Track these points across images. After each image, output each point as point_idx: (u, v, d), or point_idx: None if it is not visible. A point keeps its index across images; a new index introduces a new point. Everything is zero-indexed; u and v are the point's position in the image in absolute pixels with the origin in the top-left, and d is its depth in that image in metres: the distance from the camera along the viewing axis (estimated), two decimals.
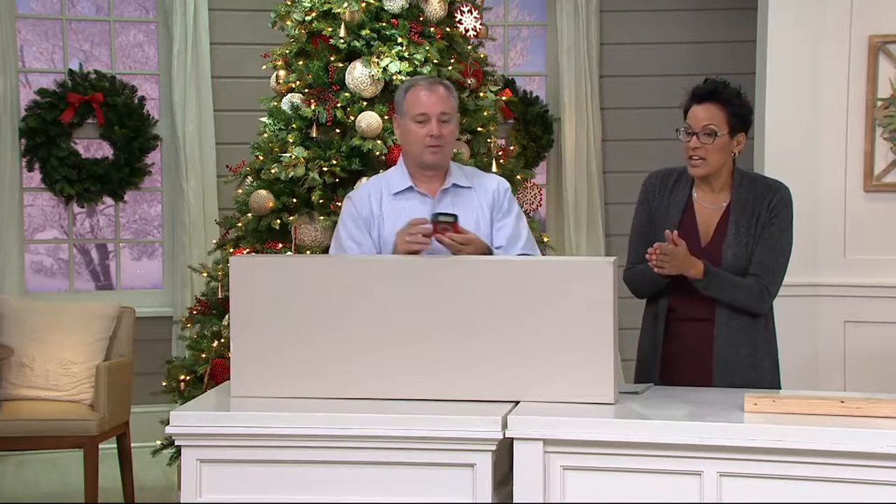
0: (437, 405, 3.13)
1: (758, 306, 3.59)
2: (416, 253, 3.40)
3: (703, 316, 3.61)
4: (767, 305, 3.62)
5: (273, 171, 4.92)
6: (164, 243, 6.91)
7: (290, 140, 4.95)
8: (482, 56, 5.33)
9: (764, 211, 3.60)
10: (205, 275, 5.21)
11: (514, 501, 3.02)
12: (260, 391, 3.25)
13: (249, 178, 5.10)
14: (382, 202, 3.67)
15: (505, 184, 3.76)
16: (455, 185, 3.68)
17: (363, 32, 4.98)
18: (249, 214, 5.00)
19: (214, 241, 5.33)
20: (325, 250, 4.89)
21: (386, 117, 4.91)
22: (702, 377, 3.59)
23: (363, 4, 4.97)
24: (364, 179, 4.89)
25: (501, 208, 3.69)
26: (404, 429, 3.03)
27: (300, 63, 5.08)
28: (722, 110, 3.56)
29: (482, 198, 3.68)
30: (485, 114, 5.18)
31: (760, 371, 3.62)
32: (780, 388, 3.66)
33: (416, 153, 3.63)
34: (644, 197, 3.73)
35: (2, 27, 6.38)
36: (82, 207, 6.86)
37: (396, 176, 3.71)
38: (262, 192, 4.94)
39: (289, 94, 5.07)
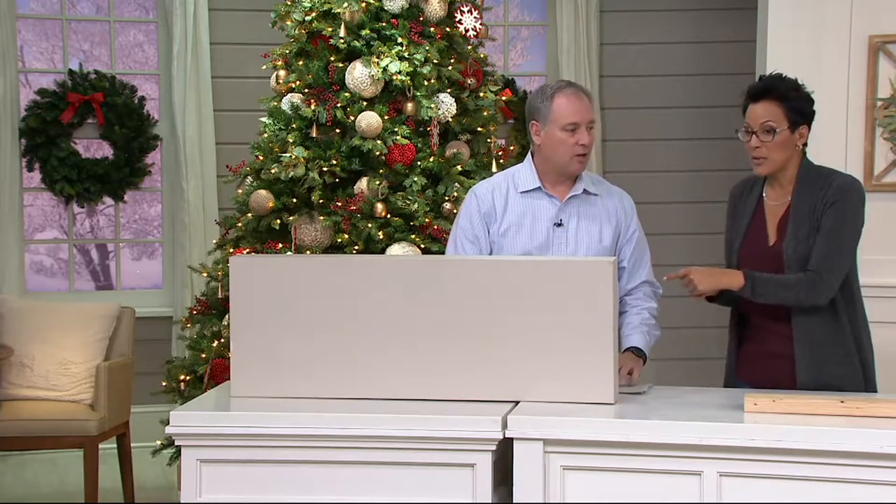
0: (437, 405, 3.13)
1: (813, 298, 3.40)
2: None
3: (777, 320, 3.50)
4: (825, 296, 3.40)
5: (273, 171, 4.92)
6: (164, 243, 6.91)
7: (290, 140, 4.95)
8: (482, 56, 5.32)
9: (819, 203, 3.47)
10: (205, 275, 5.21)
11: (514, 501, 3.02)
12: (260, 391, 3.25)
13: (249, 178, 5.11)
14: (508, 198, 3.66)
15: (630, 200, 3.73)
16: (585, 192, 3.66)
17: (363, 32, 4.98)
18: (249, 214, 5.00)
19: (214, 241, 5.33)
20: (325, 250, 4.89)
21: (386, 117, 4.91)
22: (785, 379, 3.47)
23: (363, 4, 4.97)
24: (365, 179, 4.90)
25: (629, 227, 3.67)
26: (404, 429, 3.03)
27: (300, 63, 5.08)
28: (780, 106, 3.48)
29: (608, 207, 3.67)
30: (485, 114, 5.18)
31: (849, 369, 3.49)
32: (875, 390, 3.54)
33: (563, 162, 3.59)
34: (727, 210, 3.66)
35: (2, 27, 6.38)
36: (82, 207, 6.85)
37: (525, 174, 3.68)
38: (262, 192, 4.94)
39: (289, 94, 5.07)
